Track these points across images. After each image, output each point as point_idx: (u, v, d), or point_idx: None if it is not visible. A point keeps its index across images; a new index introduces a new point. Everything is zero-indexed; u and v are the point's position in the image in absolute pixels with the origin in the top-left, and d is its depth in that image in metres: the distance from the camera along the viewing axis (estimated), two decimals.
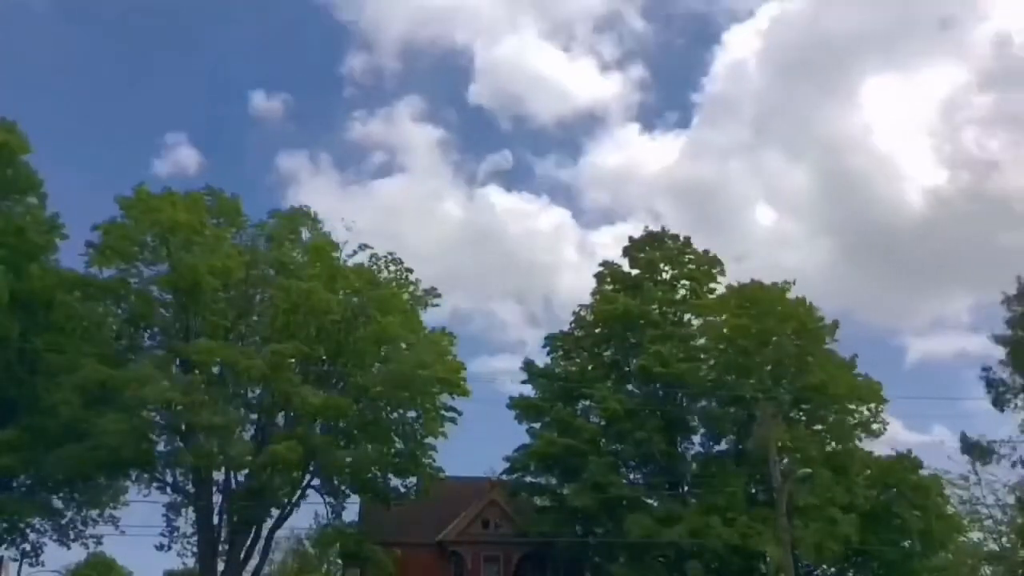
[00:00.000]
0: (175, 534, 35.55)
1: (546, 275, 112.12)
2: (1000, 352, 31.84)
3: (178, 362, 34.32)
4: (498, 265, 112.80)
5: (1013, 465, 31.24)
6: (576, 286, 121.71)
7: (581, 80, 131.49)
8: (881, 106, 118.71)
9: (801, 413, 39.02)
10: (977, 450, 31.97)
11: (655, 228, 45.01)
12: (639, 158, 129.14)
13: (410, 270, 39.23)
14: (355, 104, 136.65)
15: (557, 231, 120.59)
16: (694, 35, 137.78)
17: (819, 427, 39.20)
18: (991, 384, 31.48)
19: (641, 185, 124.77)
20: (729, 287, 41.39)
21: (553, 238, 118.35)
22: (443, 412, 36.82)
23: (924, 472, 39.28)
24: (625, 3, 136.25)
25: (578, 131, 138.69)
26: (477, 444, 70.40)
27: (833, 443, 38.71)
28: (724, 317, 39.07)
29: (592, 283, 44.32)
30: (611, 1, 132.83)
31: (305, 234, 39.28)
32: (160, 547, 35.41)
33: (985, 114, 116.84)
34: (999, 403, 31.32)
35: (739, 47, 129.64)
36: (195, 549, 35.64)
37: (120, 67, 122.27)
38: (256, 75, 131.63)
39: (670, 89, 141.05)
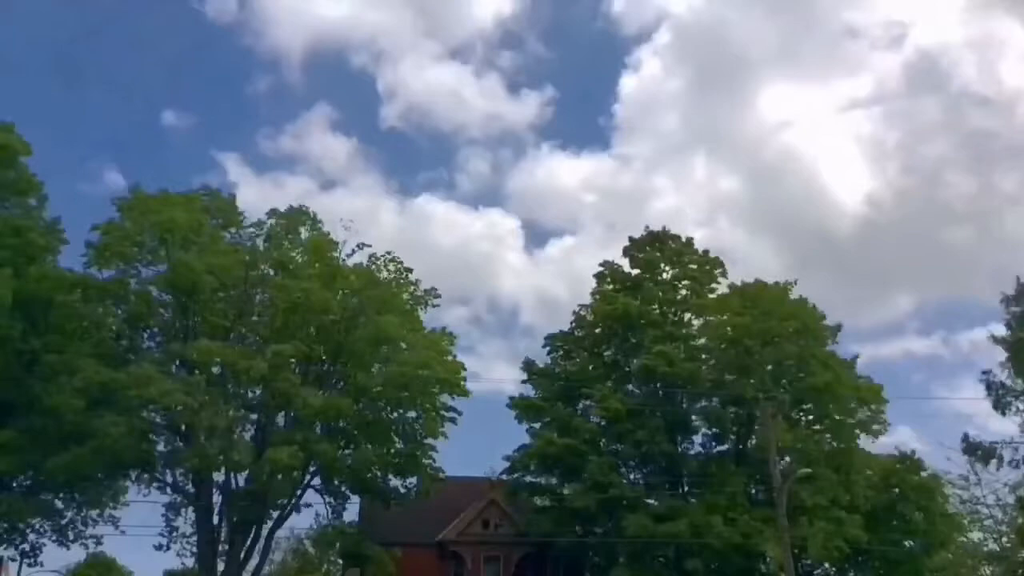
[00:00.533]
0: (174, 534, 35.57)
1: (488, 278, 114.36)
2: (1000, 354, 31.86)
3: (178, 362, 34.29)
4: (440, 269, 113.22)
5: (1016, 465, 31.24)
6: (519, 286, 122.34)
7: (491, 98, 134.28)
8: (795, 112, 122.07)
9: (802, 413, 39.00)
10: (980, 451, 31.93)
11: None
12: (561, 172, 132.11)
13: (409, 270, 39.23)
14: (268, 122, 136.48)
15: (493, 237, 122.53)
16: (599, 51, 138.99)
17: (820, 427, 39.19)
18: (991, 387, 31.39)
19: (567, 198, 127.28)
20: (731, 287, 41.40)
21: (491, 243, 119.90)
22: (443, 412, 36.78)
23: (924, 473, 39.36)
24: (524, 24, 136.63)
25: (497, 146, 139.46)
26: (477, 444, 70.38)
27: (834, 443, 38.68)
28: (726, 317, 39.05)
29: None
30: (510, 21, 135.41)
31: (304, 234, 39.23)
32: (159, 547, 35.44)
33: (906, 119, 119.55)
34: (1000, 406, 31.24)
35: (647, 63, 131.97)
36: (195, 549, 35.64)
37: (38, 91, 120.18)
38: (167, 95, 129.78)
39: (581, 106, 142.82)
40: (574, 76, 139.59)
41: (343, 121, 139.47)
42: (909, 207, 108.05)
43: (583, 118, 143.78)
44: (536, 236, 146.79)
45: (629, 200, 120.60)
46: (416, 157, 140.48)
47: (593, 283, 44.15)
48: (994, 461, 31.73)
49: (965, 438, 32.05)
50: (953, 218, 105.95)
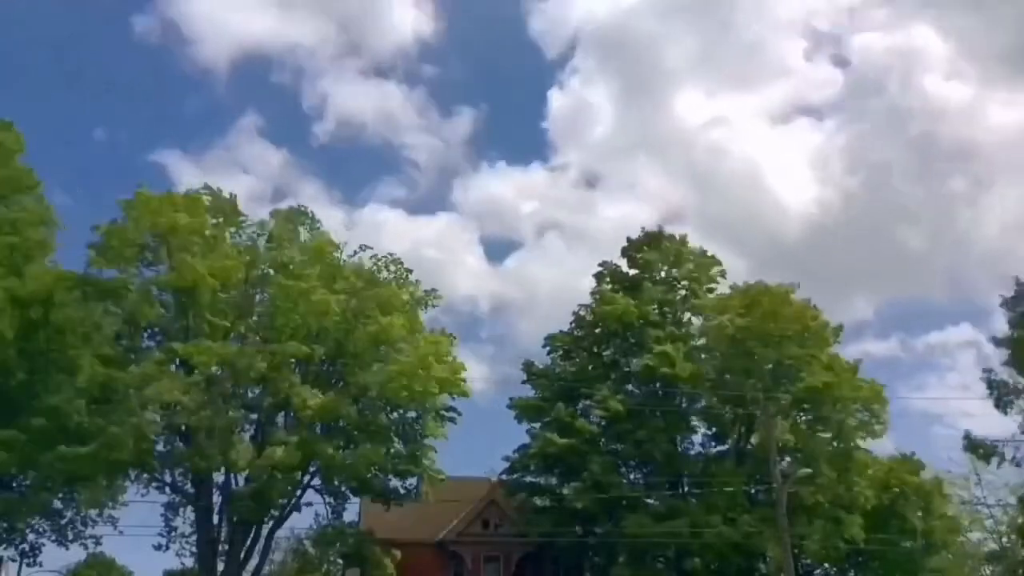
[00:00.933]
0: (173, 534, 35.56)
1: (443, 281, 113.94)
2: (1003, 354, 31.96)
3: (177, 362, 34.28)
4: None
5: (1018, 464, 31.33)
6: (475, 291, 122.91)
7: (422, 113, 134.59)
8: (728, 118, 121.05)
9: (802, 414, 39.04)
10: (981, 450, 32.02)
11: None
12: (501, 183, 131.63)
13: (409, 270, 39.26)
14: (199, 137, 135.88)
15: (446, 243, 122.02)
16: (524, 65, 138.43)
17: (820, 428, 39.22)
18: (992, 386, 31.51)
19: (509, 209, 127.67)
20: (733, 287, 41.46)
21: (444, 248, 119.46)
22: (443, 412, 36.78)
23: (925, 474, 39.42)
24: (447, 40, 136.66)
25: (435, 160, 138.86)
26: (477, 444, 70.42)
27: (834, 443, 38.71)
28: (727, 317, 39.10)
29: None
30: (432, 37, 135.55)
31: (304, 234, 39.22)
32: (158, 547, 35.42)
33: (849, 124, 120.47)
34: (1001, 405, 31.35)
35: (573, 76, 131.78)
36: (194, 549, 35.63)
37: None
38: (98, 112, 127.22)
39: (512, 120, 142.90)
40: (501, 91, 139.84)
41: (274, 133, 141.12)
42: (857, 211, 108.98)
43: (516, 131, 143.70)
44: (487, 245, 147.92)
45: (573, 209, 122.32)
46: (354, 170, 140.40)
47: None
48: (995, 459, 31.88)
49: (966, 436, 32.16)
50: (903, 221, 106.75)
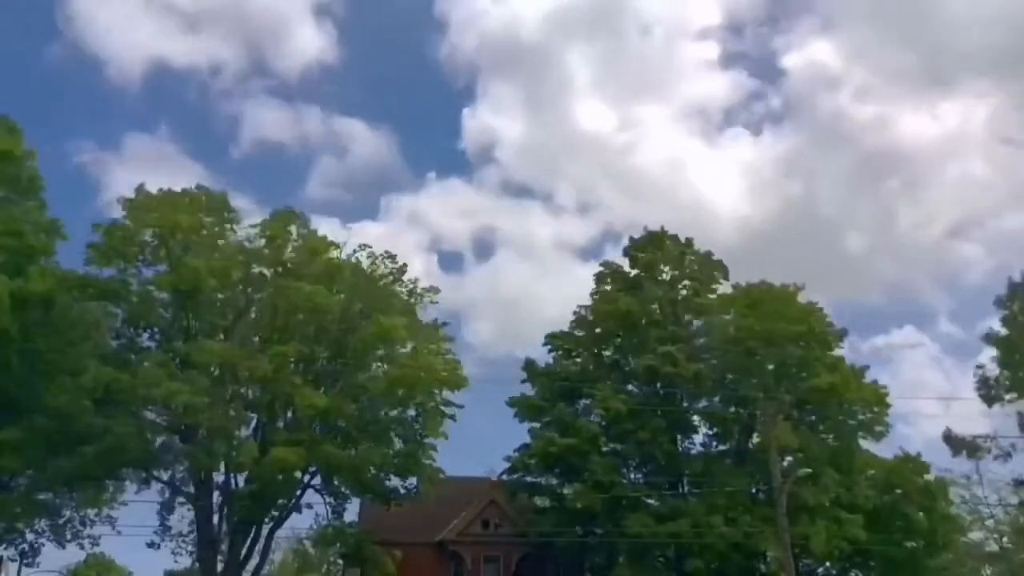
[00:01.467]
0: (168, 532, 35.57)
1: None
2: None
3: (178, 362, 34.25)
4: None
5: (1004, 459, 31.53)
6: None
7: (340, 132, 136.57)
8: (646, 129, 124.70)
9: (804, 414, 39.00)
10: (964, 447, 32.15)
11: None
12: (426, 200, 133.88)
13: (405, 267, 39.12)
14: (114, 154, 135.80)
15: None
16: (434, 83, 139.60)
17: (821, 428, 39.18)
18: (983, 382, 31.76)
19: (436, 223, 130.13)
20: (736, 287, 41.40)
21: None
22: (443, 408, 36.66)
23: (928, 475, 39.35)
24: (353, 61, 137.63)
25: (356, 177, 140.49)
26: (477, 444, 70.40)
27: (836, 443, 38.66)
28: (730, 317, 39.05)
29: None
30: (338, 59, 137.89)
31: (295, 233, 39.01)
32: (151, 544, 35.40)
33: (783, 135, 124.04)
34: (990, 400, 31.59)
35: (483, 93, 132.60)
36: (190, 548, 35.69)
37: None
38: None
39: (429, 138, 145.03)
40: (413, 109, 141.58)
41: (192, 152, 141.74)
42: (793, 218, 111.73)
43: (434, 149, 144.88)
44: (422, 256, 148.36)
45: (505, 225, 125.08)
46: (272, 186, 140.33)
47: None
48: (978, 454, 32.08)
49: (948, 434, 32.31)
50: (841, 227, 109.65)
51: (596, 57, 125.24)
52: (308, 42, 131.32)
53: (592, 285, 44.33)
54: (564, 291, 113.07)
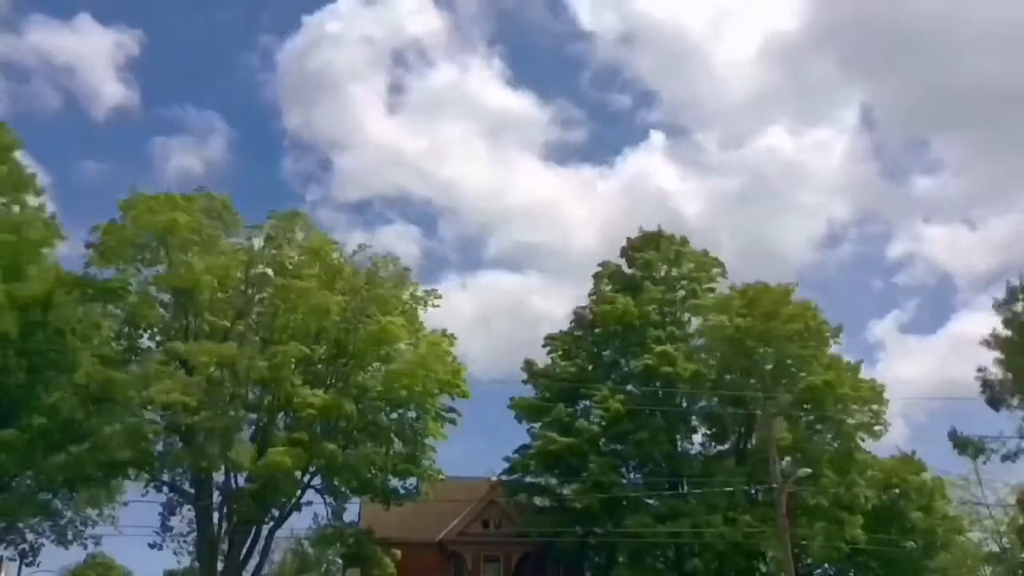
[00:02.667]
0: (169, 533, 35.59)
1: None
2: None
3: (177, 362, 34.24)
4: None
5: (1012, 460, 31.43)
6: None
7: None
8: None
9: (802, 413, 39.05)
10: (970, 447, 32.08)
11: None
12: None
13: (408, 269, 39.17)
14: None
15: None
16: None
17: (820, 428, 39.22)
18: (987, 384, 31.65)
19: None
20: (733, 287, 41.47)
21: None
22: (443, 413, 36.73)
23: (927, 474, 39.39)
24: None
25: None
26: (476, 444, 70.46)
27: (835, 443, 38.70)
28: (727, 316, 39.08)
29: None
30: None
31: (299, 235, 39.05)
32: (153, 546, 35.43)
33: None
34: (994, 403, 31.49)
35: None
36: (191, 548, 35.65)
37: None
38: None
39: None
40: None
41: None
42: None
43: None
44: None
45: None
46: None
47: None
48: (983, 456, 31.99)
49: (953, 434, 32.21)
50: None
51: None
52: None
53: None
54: None
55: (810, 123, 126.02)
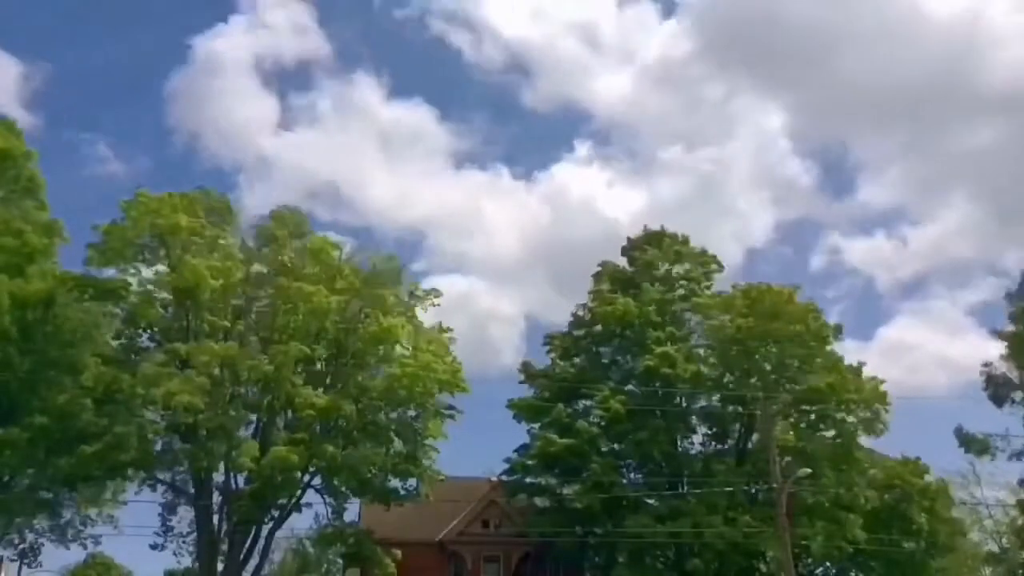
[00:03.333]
0: (170, 533, 35.62)
1: None
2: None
3: (178, 363, 34.27)
4: None
5: (1019, 458, 31.36)
6: None
7: None
8: None
9: (803, 413, 39.03)
10: (975, 444, 32.01)
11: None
12: None
13: (405, 267, 39.19)
14: None
15: None
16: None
17: (821, 427, 39.19)
18: (991, 380, 31.54)
19: None
20: (735, 287, 41.44)
21: None
22: (443, 411, 36.69)
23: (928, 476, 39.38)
24: None
25: None
26: (476, 444, 70.44)
27: (835, 443, 38.67)
28: (728, 316, 39.08)
29: None
30: None
31: (300, 235, 39.07)
32: (155, 546, 35.45)
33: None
34: (998, 399, 31.39)
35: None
36: (191, 548, 35.67)
37: None
38: None
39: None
40: None
41: None
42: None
43: None
44: None
45: None
46: None
47: None
48: (989, 454, 31.90)
49: (959, 431, 32.11)
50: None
51: None
52: None
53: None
54: None
55: (715, 139, 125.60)
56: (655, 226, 44.88)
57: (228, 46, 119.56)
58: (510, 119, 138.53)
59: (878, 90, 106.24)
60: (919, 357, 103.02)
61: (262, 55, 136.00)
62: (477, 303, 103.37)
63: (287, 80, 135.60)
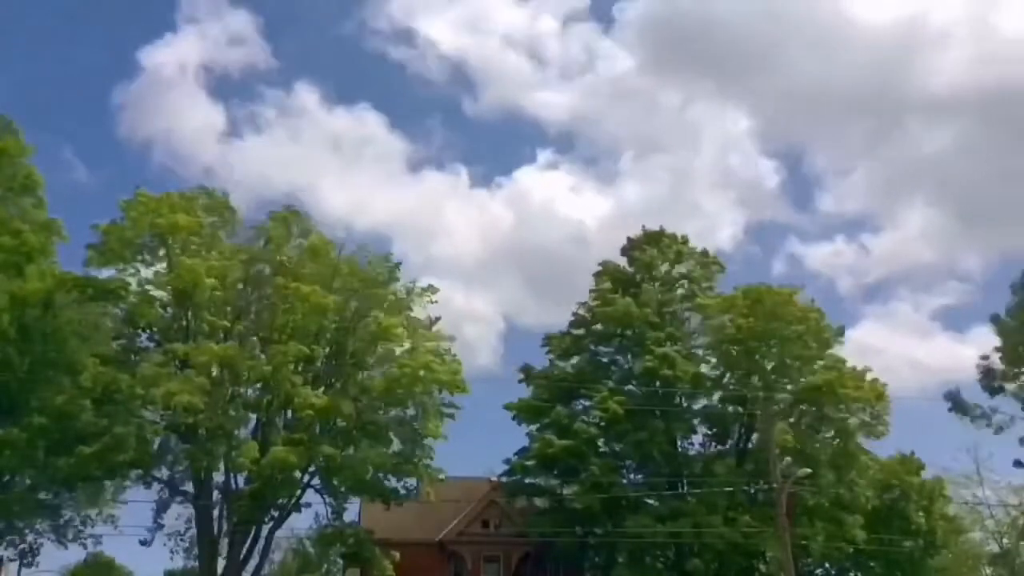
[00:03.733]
0: (161, 530, 35.61)
1: None
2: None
3: (177, 363, 34.25)
4: None
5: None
6: None
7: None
8: None
9: (803, 414, 38.99)
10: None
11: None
12: None
13: (399, 265, 39.06)
14: None
15: None
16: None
17: (821, 428, 39.16)
18: (988, 372, 31.46)
19: None
20: (737, 287, 41.40)
21: None
22: (442, 409, 36.63)
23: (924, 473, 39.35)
24: None
25: None
26: (476, 444, 70.35)
27: (835, 443, 38.64)
28: (729, 317, 39.03)
29: None
30: None
31: (299, 235, 39.00)
32: (144, 542, 35.36)
33: None
34: (991, 389, 31.27)
35: None
36: (187, 546, 35.69)
37: None
38: None
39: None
40: None
41: None
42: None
43: None
44: None
45: None
46: None
47: None
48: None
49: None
50: None
51: None
52: None
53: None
54: None
55: (675, 145, 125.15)
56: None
57: (173, 56, 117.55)
58: (459, 126, 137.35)
59: (829, 94, 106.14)
60: (887, 360, 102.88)
61: (208, 64, 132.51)
62: (450, 304, 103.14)
63: (232, 89, 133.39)
